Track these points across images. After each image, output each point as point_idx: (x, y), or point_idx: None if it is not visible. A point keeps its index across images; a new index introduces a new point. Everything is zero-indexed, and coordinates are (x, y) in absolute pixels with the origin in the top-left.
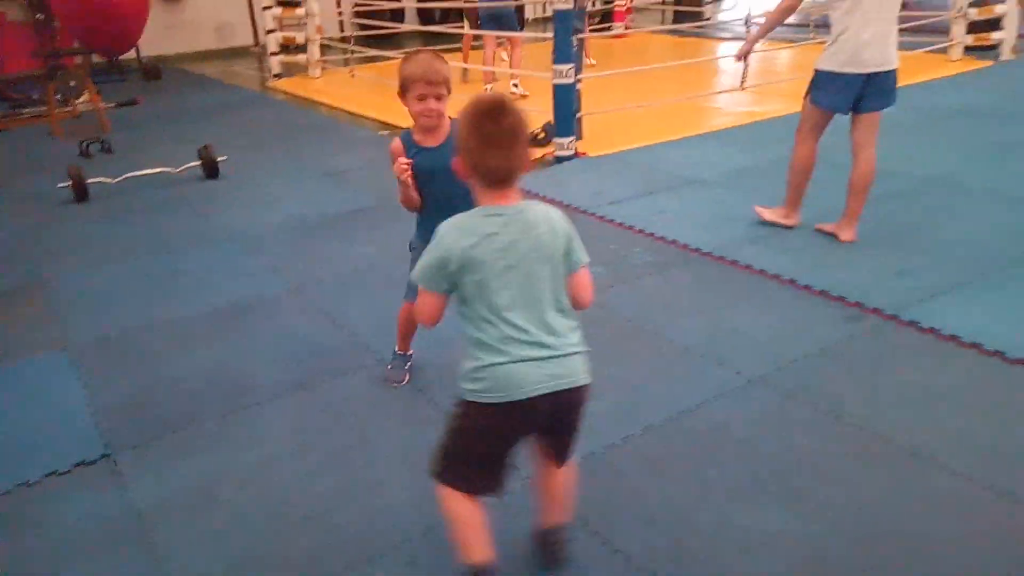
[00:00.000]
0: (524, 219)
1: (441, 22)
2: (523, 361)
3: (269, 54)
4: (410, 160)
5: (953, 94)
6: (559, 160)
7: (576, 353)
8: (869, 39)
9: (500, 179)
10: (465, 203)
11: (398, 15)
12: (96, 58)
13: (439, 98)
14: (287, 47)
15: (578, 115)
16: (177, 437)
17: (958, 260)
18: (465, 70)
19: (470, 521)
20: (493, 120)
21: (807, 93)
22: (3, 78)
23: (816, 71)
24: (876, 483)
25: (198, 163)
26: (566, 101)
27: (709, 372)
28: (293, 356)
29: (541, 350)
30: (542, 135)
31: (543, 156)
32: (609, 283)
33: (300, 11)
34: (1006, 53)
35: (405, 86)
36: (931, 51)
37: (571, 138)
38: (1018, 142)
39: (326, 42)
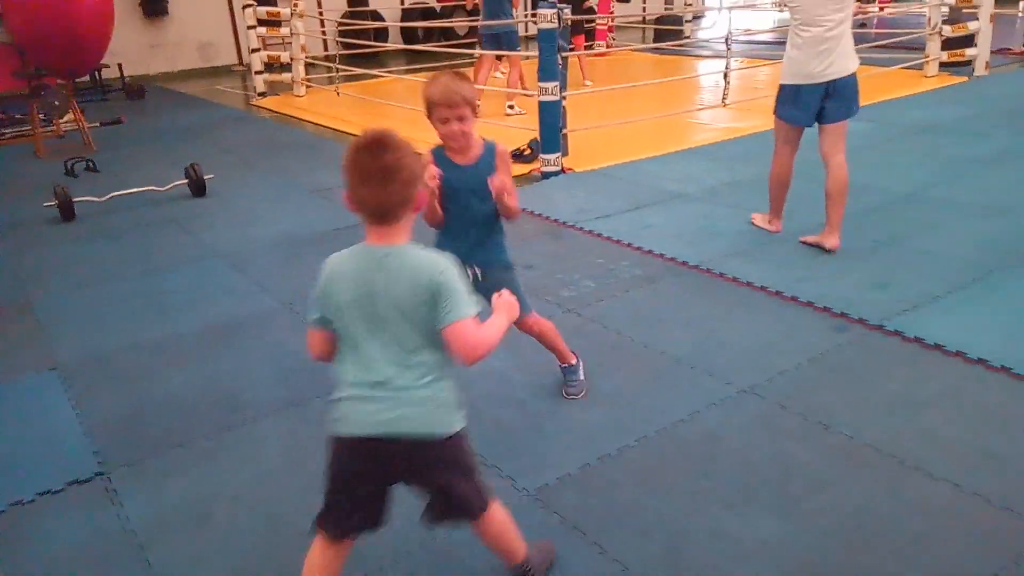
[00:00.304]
0: (391, 264)
1: (424, 41)
2: (356, 400)
3: (254, 73)
4: (440, 172)
5: (929, 110)
6: (545, 176)
7: (418, 405)
8: (824, 50)
9: (375, 215)
10: (485, 227)
11: (381, 34)
12: (79, 78)
13: (461, 119)
14: (271, 66)
15: (564, 131)
16: (171, 454)
17: (938, 271)
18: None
19: (316, 572)
20: (370, 156)
21: (774, 109)
22: None
23: (780, 86)
24: (865, 489)
25: (185, 181)
26: (552, 118)
27: (700, 383)
28: (285, 372)
29: (376, 391)
30: (528, 151)
31: (529, 172)
32: (598, 296)
33: (284, 30)
34: (980, 68)
35: (428, 109)
36: (907, 67)
37: (557, 154)
38: (991, 156)
39: (310, 61)
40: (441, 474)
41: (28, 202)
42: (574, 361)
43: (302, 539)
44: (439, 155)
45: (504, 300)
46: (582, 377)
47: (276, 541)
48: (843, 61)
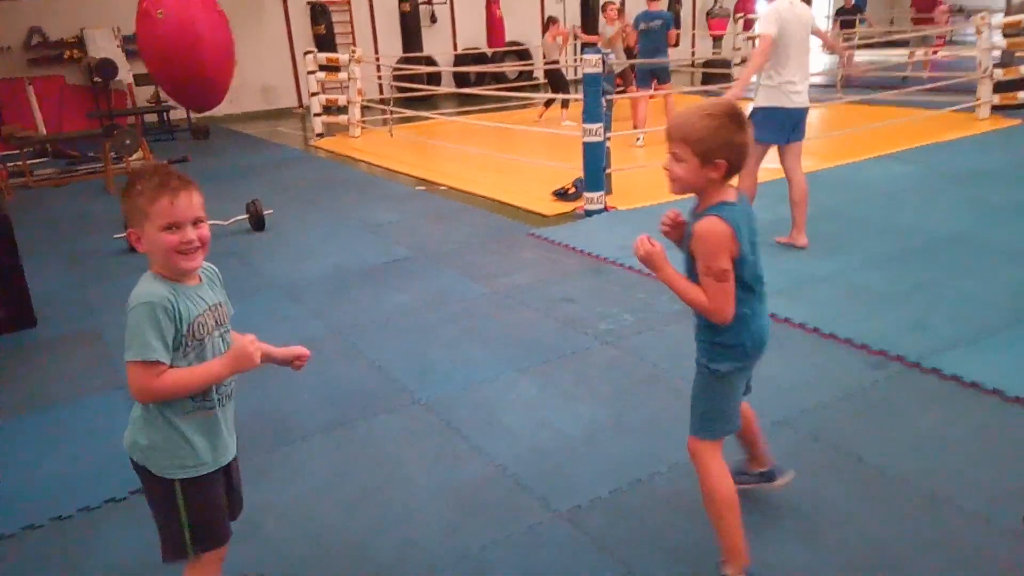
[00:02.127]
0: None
1: (476, 85)
2: None
3: (313, 115)
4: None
5: (978, 153)
6: (589, 214)
7: (129, 425)
8: (800, 82)
9: None
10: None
11: (434, 78)
12: (148, 118)
13: (674, 157)
14: (329, 108)
15: (607, 171)
16: None
17: (977, 313)
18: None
19: None
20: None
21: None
22: (61, 137)
23: (756, 109)
24: (893, 523)
25: (246, 216)
26: (596, 158)
27: None
28: (333, 396)
29: None
30: (572, 190)
31: (573, 210)
32: (636, 330)
33: (342, 75)
34: None
35: None
36: (958, 110)
37: (601, 192)
38: None
39: (366, 103)
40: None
41: (99, 235)
42: (734, 573)
43: (345, 552)
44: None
45: (239, 346)
46: None
47: (321, 552)
48: (807, 95)
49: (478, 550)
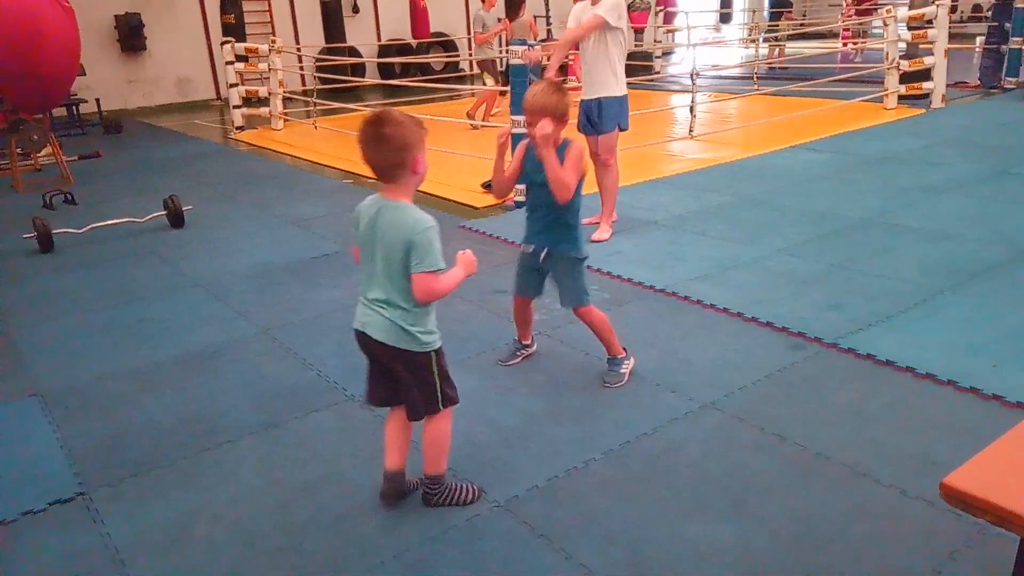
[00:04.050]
0: (382, 215)
1: (401, 76)
2: (360, 304)
3: (232, 107)
4: (508, 132)
5: (886, 141)
6: (518, 205)
7: (384, 318)
8: None
9: (375, 173)
10: (550, 213)
11: (359, 69)
12: (57, 112)
13: (531, 124)
14: (249, 100)
15: None
16: (151, 476)
17: (890, 293)
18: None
19: (385, 436)
20: (368, 125)
21: (616, 125)
22: None
23: (615, 98)
24: (815, 496)
25: (163, 213)
26: None
27: (663, 399)
28: (262, 396)
29: (366, 302)
30: None
31: (502, 202)
32: (568, 319)
33: (262, 66)
34: (937, 101)
35: None
36: (867, 100)
37: None
38: (943, 184)
39: (288, 95)
40: (397, 370)
41: (7, 234)
42: (621, 354)
43: (280, 553)
44: (530, 146)
45: (464, 256)
46: (624, 371)
47: (253, 556)
48: None
49: (418, 545)
